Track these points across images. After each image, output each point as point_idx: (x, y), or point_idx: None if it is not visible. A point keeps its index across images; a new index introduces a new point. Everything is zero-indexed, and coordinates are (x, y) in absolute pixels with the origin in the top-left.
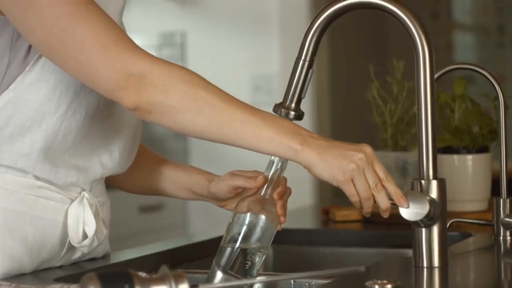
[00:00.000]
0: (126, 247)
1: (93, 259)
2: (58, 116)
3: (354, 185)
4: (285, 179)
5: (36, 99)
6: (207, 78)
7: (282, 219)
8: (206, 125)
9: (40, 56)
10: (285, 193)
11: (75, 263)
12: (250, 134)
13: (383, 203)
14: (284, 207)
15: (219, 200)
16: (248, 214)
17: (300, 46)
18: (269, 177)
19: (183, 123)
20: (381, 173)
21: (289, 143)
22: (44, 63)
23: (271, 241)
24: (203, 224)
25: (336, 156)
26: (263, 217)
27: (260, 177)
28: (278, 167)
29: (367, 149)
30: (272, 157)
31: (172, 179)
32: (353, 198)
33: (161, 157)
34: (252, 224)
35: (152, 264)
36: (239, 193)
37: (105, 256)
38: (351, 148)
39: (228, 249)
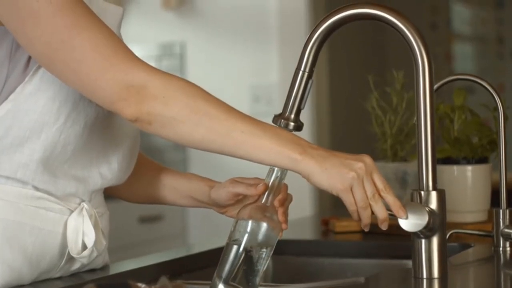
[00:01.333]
0: (126, 257)
1: (92, 270)
2: (57, 127)
3: (353, 194)
4: (286, 186)
5: (35, 110)
6: (206, 88)
7: (284, 226)
8: (206, 136)
9: (39, 67)
10: (286, 200)
11: (74, 274)
12: (250, 144)
13: (381, 213)
14: (285, 214)
15: (219, 206)
16: (250, 222)
17: (299, 56)
18: (270, 184)
19: (183, 134)
20: (379, 183)
21: (289, 153)
22: (43, 74)
23: (273, 249)
24: (203, 235)
25: (335, 165)
26: (264, 224)
27: (261, 184)
28: (279, 174)
29: (367, 159)
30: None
31: (172, 186)
32: (351, 207)
33: (160, 165)
34: (254, 232)
35: (152, 275)
36: (239, 200)
37: (104, 267)
38: (351, 158)
39: (230, 259)
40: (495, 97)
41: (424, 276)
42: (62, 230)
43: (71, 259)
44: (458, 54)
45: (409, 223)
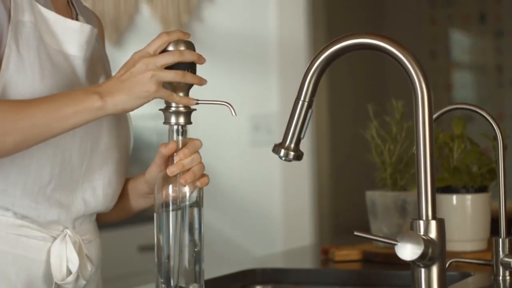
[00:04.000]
0: (125, 287)
1: None
2: (28, 150)
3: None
4: (193, 143)
5: None
6: (205, 118)
7: (181, 180)
8: (16, 139)
9: None
10: (187, 154)
11: None
12: (56, 121)
13: (193, 57)
14: (179, 166)
15: None
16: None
17: (299, 86)
18: (179, 143)
19: None
20: (167, 55)
21: (91, 105)
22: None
23: (199, 205)
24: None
25: (131, 81)
26: (171, 186)
27: (171, 142)
28: (180, 132)
29: (137, 55)
30: (169, 127)
31: (130, 192)
32: (173, 96)
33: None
34: (169, 195)
35: None
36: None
37: None
38: (130, 65)
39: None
40: (494, 126)
41: None
42: (45, 257)
43: (59, 287)
44: (458, 82)
45: (406, 251)
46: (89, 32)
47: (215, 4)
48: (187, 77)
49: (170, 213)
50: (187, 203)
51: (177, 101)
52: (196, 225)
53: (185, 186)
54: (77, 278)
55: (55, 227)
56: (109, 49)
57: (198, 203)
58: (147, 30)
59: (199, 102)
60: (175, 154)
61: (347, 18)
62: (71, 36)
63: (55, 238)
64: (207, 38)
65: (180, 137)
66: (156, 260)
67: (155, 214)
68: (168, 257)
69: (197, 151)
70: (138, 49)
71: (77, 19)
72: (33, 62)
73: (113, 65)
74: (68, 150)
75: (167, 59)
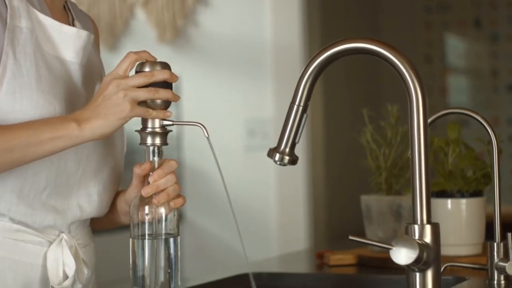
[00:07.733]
0: None
1: None
2: None
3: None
4: (169, 163)
5: None
6: (201, 122)
7: (153, 200)
8: None
9: None
10: (164, 174)
11: None
12: (33, 146)
13: (164, 75)
14: (154, 187)
15: None
16: (140, 210)
17: (294, 91)
18: (155, 163)
19: None
20: (138, 76)
21: (69, 133)
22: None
23: (173, 223)
24: (198, 269)
25: (106, 105)
26: (147, 206)
27: (145, 163)
28: (155, 153)
29: (108, 76)
30: (145, 148)
31: (116, 207)
32: (150, 112)
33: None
34: (145, 217)
35: None
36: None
37: None
38: (103, 90)
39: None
40: (489, 131)
41: None
42: (42, 262)
43: None
44: (453, 87)
45: (400, 256)
46: (85, 38)
47: (210, 9)
48: (160, 93)
49: (146, 237)
50: (163, 230)
51: (154, 116)
52: (172, 253)
53: (158, 206)
54: (73, 282)
55: (51, 232)
56: (105, 53)
57: (174, 232)
58: (143, 34)
59: (174, 123)
60: (150, 174)
61: (342, 23)
62: (68, 42)
63: (51, 243)
64: (202, 42)
65: (156, 158)
66: (132, 281)
67: (130, 239)
68: (143, 279)
69: (172, 172)
70: None
71: (73, 24)
72: (30, 68)
73: (108, 70)
74: (63, 157)
75: (139, 79)
